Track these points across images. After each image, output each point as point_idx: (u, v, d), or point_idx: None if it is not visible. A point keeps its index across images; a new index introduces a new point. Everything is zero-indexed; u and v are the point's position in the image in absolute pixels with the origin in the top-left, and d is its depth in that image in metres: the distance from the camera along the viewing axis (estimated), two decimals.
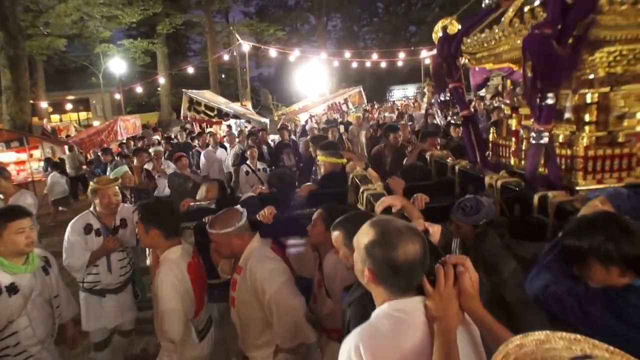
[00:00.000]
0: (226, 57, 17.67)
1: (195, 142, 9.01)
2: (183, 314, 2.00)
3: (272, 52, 17.07)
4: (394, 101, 18.26)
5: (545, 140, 2.04)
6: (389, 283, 1.14)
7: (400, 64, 17.69)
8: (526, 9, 2.19)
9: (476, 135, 2.81)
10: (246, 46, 17.36)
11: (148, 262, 4.79)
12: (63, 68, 19.41)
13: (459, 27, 2.73)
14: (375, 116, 12.40)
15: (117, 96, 16.57)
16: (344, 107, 13.53)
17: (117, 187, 2.90)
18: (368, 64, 17.89)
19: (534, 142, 2.07)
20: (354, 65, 18.40)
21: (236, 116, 12.28)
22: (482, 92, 13.99)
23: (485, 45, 2.39)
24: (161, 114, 20.04)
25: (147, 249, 4.43)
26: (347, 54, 17.27)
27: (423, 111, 10.99)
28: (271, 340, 2.04)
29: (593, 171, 2.08)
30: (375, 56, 17.01)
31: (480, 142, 2.84)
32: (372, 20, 25.53)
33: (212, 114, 12.05)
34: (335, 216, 1.93)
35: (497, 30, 2.26)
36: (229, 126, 12.46)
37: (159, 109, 21.10)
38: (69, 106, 19.46)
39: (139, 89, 16.83)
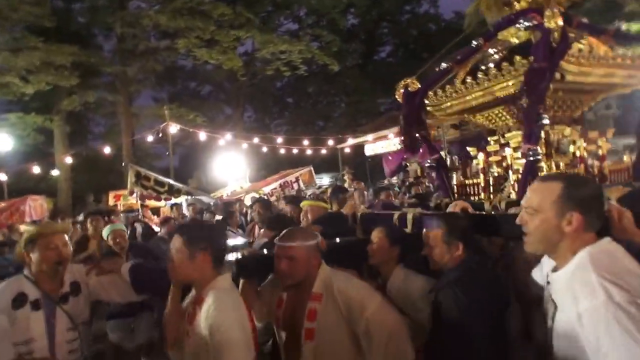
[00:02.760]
0: (150, 139, 16.18)
1: None
2: (252, 351, 1.62)
3: (202, 135, 16.39)
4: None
5: (538, 157, 2.42)
6: (594, 217, 1.26)
7: (314, 152, 18.47)
8: (482, 68, 2.80)
9: (446, 175, 3.24)
10: (173, 128, 16.32)
11: None
12: None
13: (419, 85, 3.19)
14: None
15: (2, 177, 13.27)
16: (296, 186, 13.53)
17: (66, 237, 2.17)
18: (286, 151, 18.32)
19: (530, 158, 2.41)
20: (276, 152, 18.70)
21: (188, 192, 11.19)
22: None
23: (454, 95, 3.02)
24: (58, 200, 16.55)
25: None
26: (279, 140, 17.66)
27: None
28: None
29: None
30: (306, 142, 17.69)
31: (450, 181, 3.31)
32: (283, 113, 27.06)
33: (162, 189, 10.83)
34: (396, 232, 2.28)
35: (469, 82, 2.86)
36: (175, 204, 11.29)
37: (47, 194, 17.37)
38: None
39: (32, 170, 13.90)
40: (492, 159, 3.07)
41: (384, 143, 15.62)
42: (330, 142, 17.57)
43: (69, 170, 16.91)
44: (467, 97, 2.95)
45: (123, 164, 15.35)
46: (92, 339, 2.41)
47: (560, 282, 1.26)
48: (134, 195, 11.13)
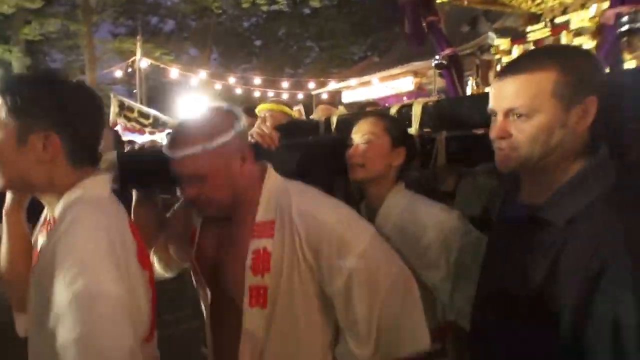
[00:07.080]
0: (118, 74, 15.22)
1: None
2: (132, 315, 0.79)
3: (174, 72, 15.68)
4: None
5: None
6: None
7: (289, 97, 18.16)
8: None
9: (459, 77, 2.56)
10: (144, 63, 15.46)
11: None
12: None
13: None
14: None
15: None
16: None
17: None
18: (261, 94, 17.98)
19: (624, 28, 1.77)
20: (248, 95, 18.24)
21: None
22: None
23: None
24: None
25: None
26: (256, 81, 17.20)
27: None
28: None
29: None
30: (285, 85, 17.36)
31: (463, 85, 2.67)
32: (250, 58, 25.90)
33: (146, 122, 10.20)
34: (401, 126, 1.36)
35: None
36: (152, 141, 11.02)
37: None
38: None
39: None
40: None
41: (365, 90, 14.83)
42: (311, 85, 17.23)
43: None
44: None
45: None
46: None
47: None
48: (117, 127, 10.65)
